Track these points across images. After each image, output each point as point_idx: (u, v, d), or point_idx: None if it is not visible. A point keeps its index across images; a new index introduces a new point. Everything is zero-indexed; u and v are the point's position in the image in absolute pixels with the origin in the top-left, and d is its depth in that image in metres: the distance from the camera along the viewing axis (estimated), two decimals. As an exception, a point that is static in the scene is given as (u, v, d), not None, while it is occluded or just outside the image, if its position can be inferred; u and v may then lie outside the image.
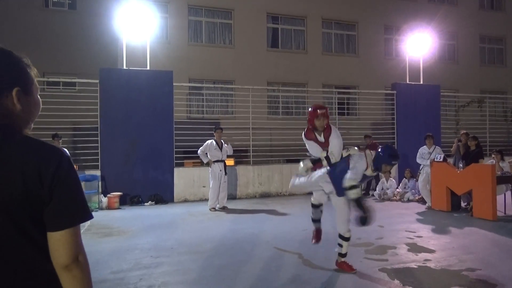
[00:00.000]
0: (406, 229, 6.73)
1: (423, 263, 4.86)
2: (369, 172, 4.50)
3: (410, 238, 6.11)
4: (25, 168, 1.20)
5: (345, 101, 17.82)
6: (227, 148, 9.11)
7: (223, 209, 8.89)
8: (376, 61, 18.48)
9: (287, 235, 6.43)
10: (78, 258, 1.28)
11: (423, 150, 8.73)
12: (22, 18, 14.01)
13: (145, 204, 9.50)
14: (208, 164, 9.01)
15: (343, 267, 4.66)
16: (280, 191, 11.09)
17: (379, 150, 4.50)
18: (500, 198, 7.77)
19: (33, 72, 1.37)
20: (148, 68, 10.05)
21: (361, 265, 4.82)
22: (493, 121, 14.44)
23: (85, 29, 14.41)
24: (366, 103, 15.01)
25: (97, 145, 9.45)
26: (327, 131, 4.77)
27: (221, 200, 8.95)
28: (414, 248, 5.57)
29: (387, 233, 6.49)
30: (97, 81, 9.43)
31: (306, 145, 4.90)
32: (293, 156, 12.85)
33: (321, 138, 4.79)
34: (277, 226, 7.17)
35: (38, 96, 1.40)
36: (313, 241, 5.36)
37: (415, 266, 4.77)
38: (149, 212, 8.73)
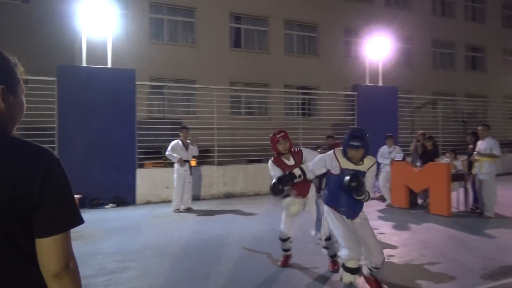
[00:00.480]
0: (369, 226, 6.94)
1: (388, 259, 5.02)
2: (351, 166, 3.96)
3: (374, 235, 6.30)
4: (15, 171, 1.13)
5: (307, 102, 18.16)
6: (193, 149, 8.97)
7: (188, 210, 8.78)
8: (336, 63, 18.93)
9: (254, 235, 6.45)
10: (69, 265, 1.24)
11: (384, 149, 9.06)
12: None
13: (106, 206, 9.19)
14: (175, 164, 8.76)
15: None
16: (244, 191, 11.11)
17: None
18: (454, 195, 8.19)
19: (20, 71, 1.30)
20: (109, 66, 9.73)
21: (328, 262, 4.91)
22: (445, 122, 15.19)
23: (39, 23, 13.74)
24: (327, 103, 15.33)
25: (53, 145, 9.04)
26: (298, 154, 4.81)
27: (186, 201, 8.83)
28: (378, 244, 5.76)
29: (351, 230, 6.67)
30: (55, 78, 9.02)
31: (272, 172, 4.78)
32: (256, 156, 12.92)
33: (290, 162, 4.78)
34: (244, 226, 7.18)
35: (23, 98, 1.33)
36: (279, 263, 4.95)
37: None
38: (110, 215, 8.46)
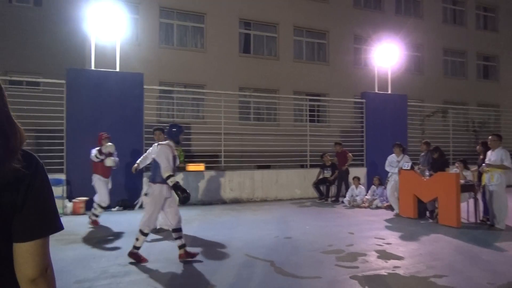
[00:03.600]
0: (375, 236, 6.84)
1: (393, 270, 4.94)
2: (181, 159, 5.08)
3: (380, 245, 6.20)
4: (2, 173, 1.11)
5: (316, 108, 18.11)
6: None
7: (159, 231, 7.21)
8: (345, 70, 18.87)
9: (258, 242, 6.38)
10: (47, 271, 1.20)
11: (392, 158, 8.94)
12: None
13: (113, 209, 9.21)
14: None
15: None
16: (251, 197, 11.05)
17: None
18: (463, 206, 8.04)
19: None
20: (118, 69, 9.78)
21: (332, 273, 4.84)
22: (456, 131, 14.99)
23: (51, 27, 13.90)
24: (336, 110, 15.25)
25: (62, 147, 9.09)
26: None
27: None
28: (384, 255, 5.66)
29: (357, 240, 6.57)
30: (64, 81, 9.09)
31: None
32: (265, 162, 12.87)
33: None
34: (249, 233, 7.12)
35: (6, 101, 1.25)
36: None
37: (385, 273, 4.83)
38: (116, 218, 8.47)
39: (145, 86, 10.09)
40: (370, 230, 7.28)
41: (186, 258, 5.29)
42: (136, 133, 9.67)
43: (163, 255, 5.65)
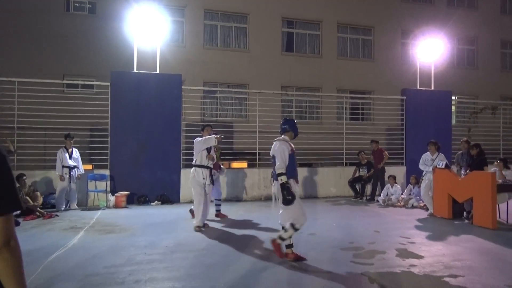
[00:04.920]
0: (401, 235, 6.73)
1: (407, 268, 4.90)
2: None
3: (403, 244, 6.12)
4: None
5: (360, 106, 17.81)
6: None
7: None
8: (392, 66, 18.35)
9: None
10: (10, 242, 1.46)
11: (426, 156, 8.68)
12: (45, 21, 14.60)
13: (152, 204, 9.78)
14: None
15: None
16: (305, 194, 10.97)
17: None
18: (502, 207, 7.66)
19: None
20: (158, 71, 10.34)
21: (344, 268, 4.89)
22: (507, 129, 14.08)
23: (103, 32, 14.87)
24: (380, 108, 14.94)
25: (106, 145, 9.81)
26: None
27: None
28: (404, 253, 5.60)
29: (381, 238, 6.52)
30: (108, 83, 9.80)
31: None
32: (307, 160, 12.92)
33: None
34: (274, 228, 7.27)
35: None
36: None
37: (398, 271, 4.81)
38: (153, 211, 9.00)
39: (186, 87, 10.59)
40: (398, 229, 7.17)
41: (293, 259, 5.17)
42: (174, 131, 10.16)
43: (189, 246, 5.98)
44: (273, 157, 5.33)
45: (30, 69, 13.49)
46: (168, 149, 10.06)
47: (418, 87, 12.35)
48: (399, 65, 18.41)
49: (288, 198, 5.05)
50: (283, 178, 5.08)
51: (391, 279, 4.54)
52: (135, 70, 10.13)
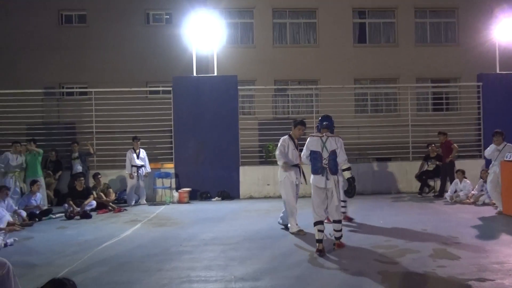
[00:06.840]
0: (449, 234, 6.18)
1: (432, 269, 4.54)
2: None
3: (445, 244, 5.63)
4: None
5: (444, 96, 16.52)
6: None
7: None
8: (481, 49, 16.55)
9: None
10: None
11: (492, 148, 7.77)
12: (127, 34, 16.12)
13: (213, 199, 10.31)
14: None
15: None
16: (364, 189, 10.59)
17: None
18: None
19: None
20: (215, 73, 10.88)
21: (363, 266, 4.73)
22: None
23: (179, 40, 15.95)
24: (466, 96, 13.65)
25: (171, 145, 10.64)
26: None
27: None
28: (439, 254, 5.17)
29: (423, 237, 6.10)
30: (170, 88, 10.62)
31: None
32: (382, 154, 12.39)
33: None
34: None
35: None
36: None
37: (421, 272, 4.49)
38: (211, 207, 9.48)
39: (253, 87, 10.97)
40: (449, 228, 6.58)
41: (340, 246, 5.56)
42: (232, 130, 10.57)
43: (223, 240, 6.27)
44: (333, 152, 5.36)
45: (111, 78, 14.87)
46: (227, 148, 10.50)
47: (498, 71, 11.04)
48: (489, 47, 16.51)
49: (355, 190, 5.59)
50: (351, 173, 5.51)
51: (404, 280, 4.35)
52: (194, 74, 10.78)
